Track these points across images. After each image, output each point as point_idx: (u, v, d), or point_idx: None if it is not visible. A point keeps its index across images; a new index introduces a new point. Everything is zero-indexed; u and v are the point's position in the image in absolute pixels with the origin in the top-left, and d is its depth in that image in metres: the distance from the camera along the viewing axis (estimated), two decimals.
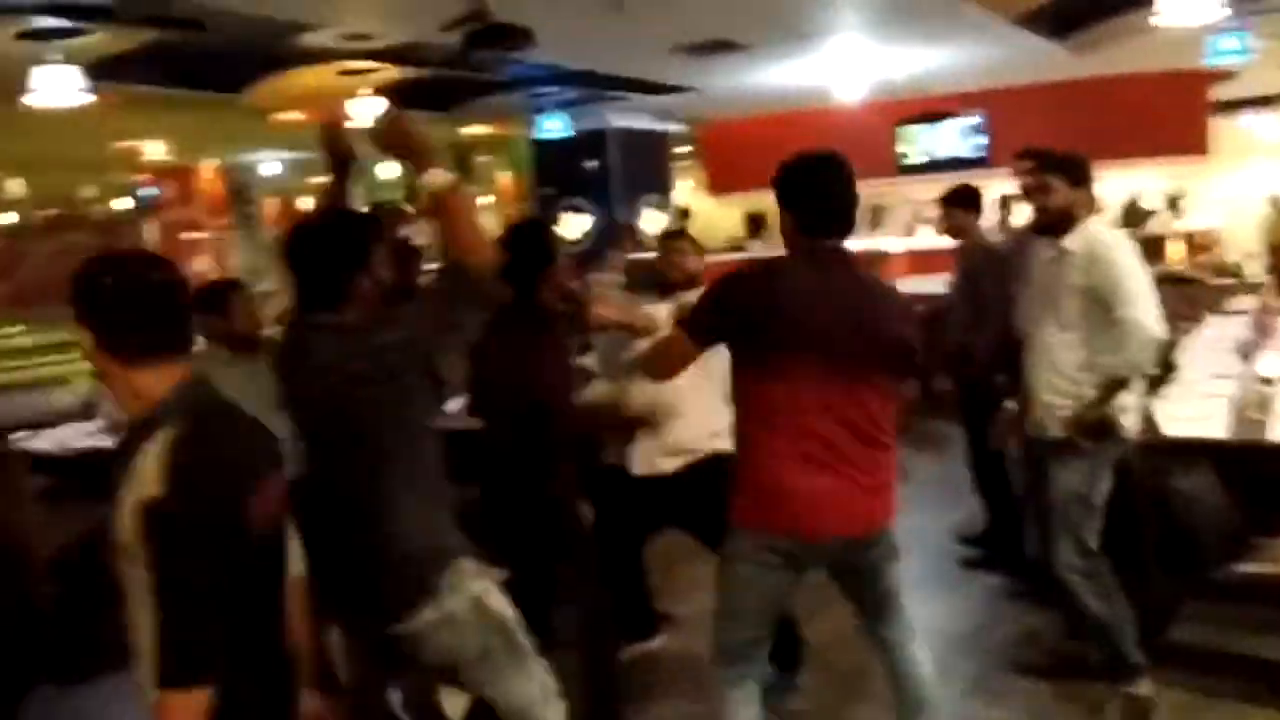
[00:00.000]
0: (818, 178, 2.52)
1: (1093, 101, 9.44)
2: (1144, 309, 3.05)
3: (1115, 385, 3.13)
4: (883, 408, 2.47)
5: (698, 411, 3.31)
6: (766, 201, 11.56)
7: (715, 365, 2.69)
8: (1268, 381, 4.07)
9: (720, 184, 12.06)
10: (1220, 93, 9.87)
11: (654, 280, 3.69)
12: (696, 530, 3.43)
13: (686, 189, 13.42)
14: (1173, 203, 10.14)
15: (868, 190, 10.37)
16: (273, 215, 16.28)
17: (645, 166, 10.02)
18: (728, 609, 2.59)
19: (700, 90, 8.80)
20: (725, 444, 2.77)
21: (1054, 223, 3.27)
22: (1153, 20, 4.97)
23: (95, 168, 11.83)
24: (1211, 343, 5.39)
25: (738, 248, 13.23)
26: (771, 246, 12.96)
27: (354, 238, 2.27)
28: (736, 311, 2.46)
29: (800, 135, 11.31)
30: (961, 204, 4.98)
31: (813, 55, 7.62)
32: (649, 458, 3.42)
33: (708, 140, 11.88)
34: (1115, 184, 10.11)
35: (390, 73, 7.45)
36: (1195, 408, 3.94)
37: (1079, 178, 3.26)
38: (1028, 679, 3.63)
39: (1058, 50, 7.79)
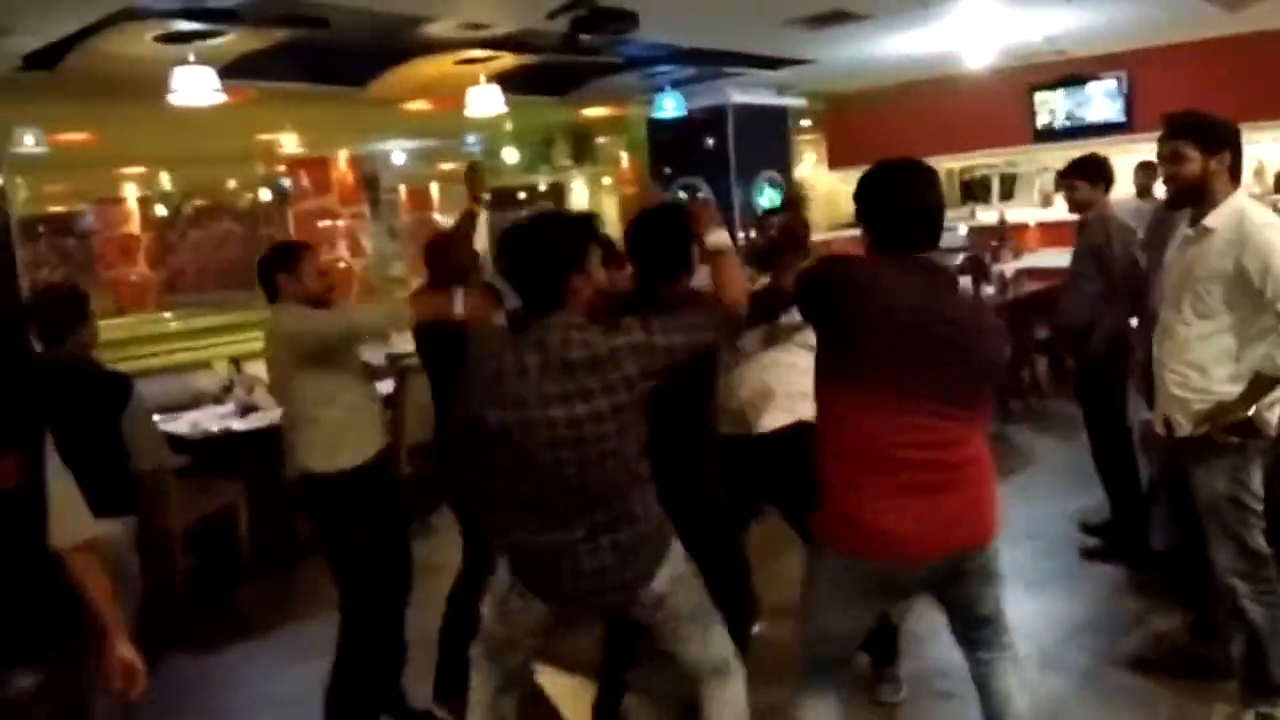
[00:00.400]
0: (895, 191, 2.40)
1: (1245, 59, 8.75)
2: None
3: (1266, 384, 2.82)
4: (973, 423, 2.35)
5: (790, 378, 3.25)
6: None
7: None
8: None
9: (841, 158, 11.77)
10: None
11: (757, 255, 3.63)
12: (783, 503, 3.37)
13: (809, 164, 13.17)
14: None
15: (1000, 158, 9.97)
16: (404, 203, 16.87)
17: (764, 143, 9.84)
18: (814, 626, 2.52)
19: (820, 62, 8.57)
20: (810, 410, 2.70)
21: (1188, 195, 3.01)
22: None
23: (237, 160, 12.44)
24: None
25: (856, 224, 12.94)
26: None
27: (571, 239, 2.47)
28: (837, 298, 2.37)
29: (925, 105, 11.13)
30: (1084, 175, 4.70)
31: (937, 23, 7.31)
32: (741, 419, 3.37)
33: (829, 114, 11.61)
34: (1272, 148, 9.39)
35: (506, 60, 7.54)
36: None
37: (1216, 144, 2.95)
38: (1146, 679, 3.43)
39: (1206, 6, 7.24)
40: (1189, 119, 3.04)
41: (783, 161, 10.16)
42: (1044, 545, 4.67)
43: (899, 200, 2.39)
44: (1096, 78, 9.69)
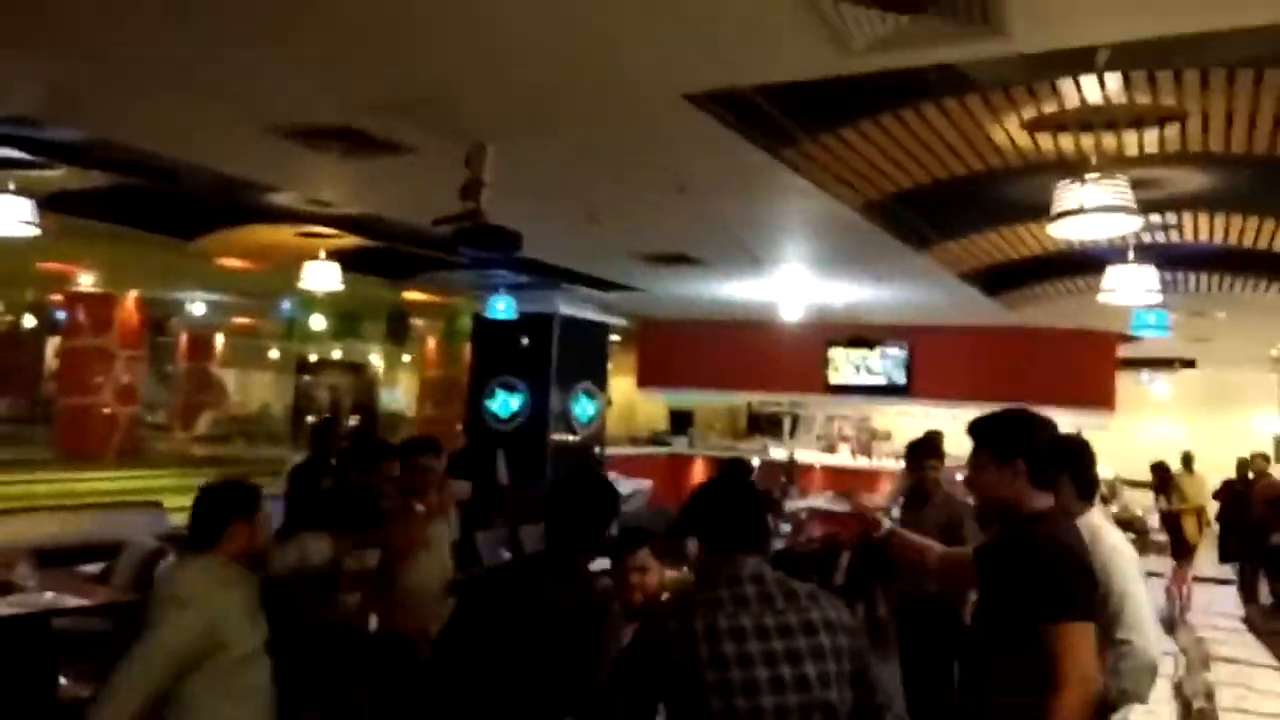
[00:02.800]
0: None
1: (1011, 348, 10.02)
2: None
3: None
4: None
5: None
6: (691, 400, 11.69)
7: None
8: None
9: (650, 378, 12.24)
10: (1120, 352, 10.62)
11: None
12: None
13: (612, 379, 13.58)
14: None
15: (786, 399, 10.57)
16: (183, 350, 15.84)
17: (584, 354, 10.11)
18: None
19: (647, 290, 9.04)
20: None
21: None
22: (1101, 297, 5.36)
23: (10, 283, 11.34)
24: None
25: (660, 441, 13.35)
26: (690, 443, 13.12)
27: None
28: None
29: (733, 343, 11.79)
30: (939, 455, 5.01)
31: (761, 279, 7.95)
32: None
33: (642, 335, 12.13)
34: None
35: (349, 240, 7.45)
36: None
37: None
38: None
39: (984, 297, 8.31)
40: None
41: (599, 374, 10.43)
42: None
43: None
44: (883, 343, 10.72)
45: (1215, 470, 10.26)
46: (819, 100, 3.88)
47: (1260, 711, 4.54)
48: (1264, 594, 9.25)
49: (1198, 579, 9.43)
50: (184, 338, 15.76)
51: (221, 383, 16.76)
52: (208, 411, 15.98)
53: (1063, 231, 3.80)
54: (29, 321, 14.30)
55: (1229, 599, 9.07)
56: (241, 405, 17.53)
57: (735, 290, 8.74)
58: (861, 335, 10.80)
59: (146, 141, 4.87)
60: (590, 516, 2.74)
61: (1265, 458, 10.41)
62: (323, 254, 7.37)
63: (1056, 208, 3.65)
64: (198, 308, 12.54)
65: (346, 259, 7.75)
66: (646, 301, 9.75)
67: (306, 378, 14.91)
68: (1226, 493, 10.20)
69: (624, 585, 3.10)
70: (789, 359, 10.87)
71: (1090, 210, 3.53)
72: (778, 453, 11.60)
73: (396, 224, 6.76)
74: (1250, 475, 10.15)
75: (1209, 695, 3.83)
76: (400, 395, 16.85)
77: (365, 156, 4.72)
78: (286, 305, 12.18)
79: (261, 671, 2.94)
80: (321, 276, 7.17)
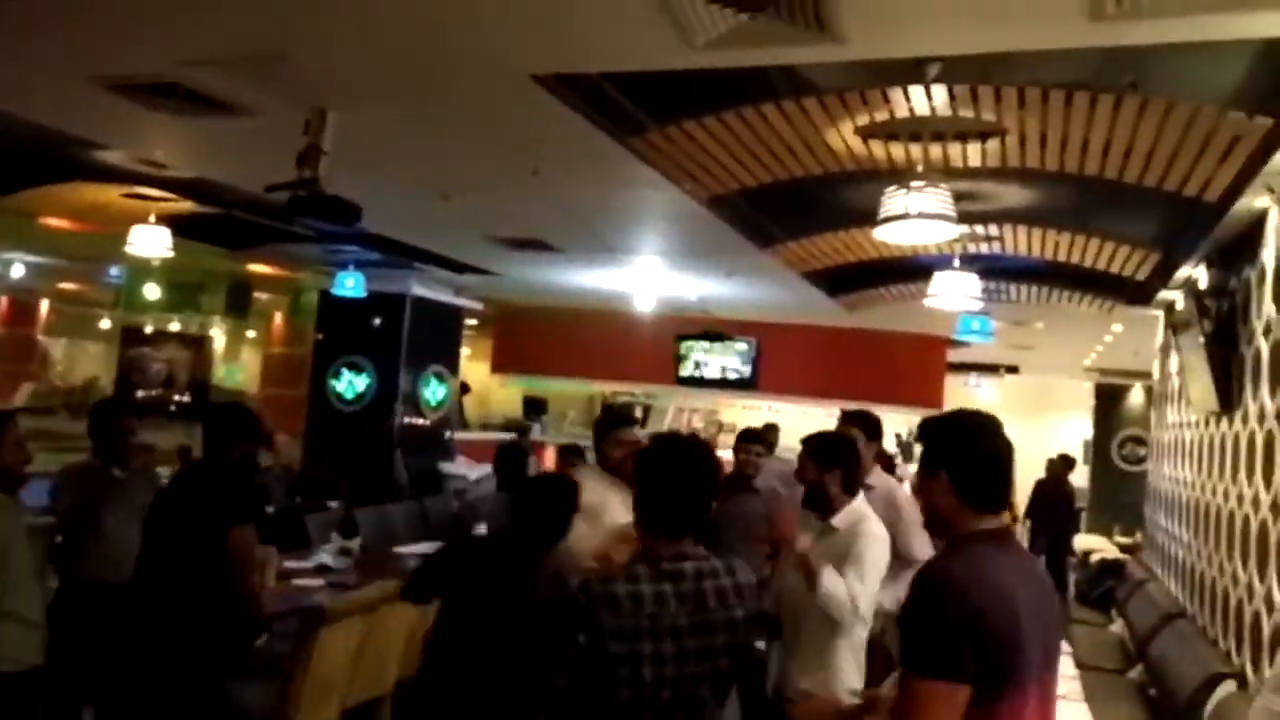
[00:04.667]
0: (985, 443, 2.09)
1: (850, 348, 10.47)
2: None
3: None
4: None
5: None
6: (546, 386, 11.65)
7: None
8: None
9: (504, 363, 12.17)
10: (951, 356, 11.25)
11: None
12: None
13: (468, 363, 13.42)
14: (906, 449, 11.21)
15: (641, 389, 10.73)
16: (3, 314, 14.74)
17: (436, 336, 9.93)
18: None
19: (504, 275, 8.97)
20: None
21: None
22: (925, 301, 5.65)
23: None
24: None
25: (515, 428, 13.26)
26: (543, 430, 13.09)
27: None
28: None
29: (588, 332, 11.85)
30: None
31: (616, 268, 8.02)
32: None
33: (498, 320, 12.04)
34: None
35: (183, 205, 7.09)
36: None
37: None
38: None
39: (830, 302, 8.64)
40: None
41: (451, 357, 10.29)
42: None
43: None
44: (732, 338, 11.00)
45: (1035, 470, 10.98)
46: (667, 91, 3.95)
47: None
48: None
49: None
50: (2, 301, 14.67)
51: (46, 352, 15.69)
52: (28, 383, 14.92)
53: (888, 235, 4.00)
54: None
55: None
56: (66, 376, 16.43)
57: (590, 279, 8.78)
58: (712, 330, 11.05)
59: None
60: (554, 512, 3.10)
61: (1066, 459, 11.18)
62: (153, 218, 6.98)
63: (883, 212, 3.84)
64: (17, 269, 11.67)
65: (182, 225, 7.37)
66: (503, 286, 9.68)
67: (140, 350, 14.02)
68: (1036, 492, 10.95)
69: None
70: (642, 350, 11.02)
71: (914, 216, 3.72)
72: None
73: (235, 190, 6.47)
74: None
75: None
76: (240, 373, 16.14)
77: (199, 115, 4.49)
78: (115, 272, 11.48)
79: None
80: (150, 241, 6.80)
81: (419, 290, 9.44)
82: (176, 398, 13.89)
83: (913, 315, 8.40)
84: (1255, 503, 4.25)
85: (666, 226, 6.45)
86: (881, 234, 3.98)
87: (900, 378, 10.45)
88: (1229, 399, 4.83)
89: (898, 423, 11.39)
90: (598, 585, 2.21)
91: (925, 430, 2.16)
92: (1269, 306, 4.24)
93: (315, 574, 5.08)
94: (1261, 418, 4.24)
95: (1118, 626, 7.28)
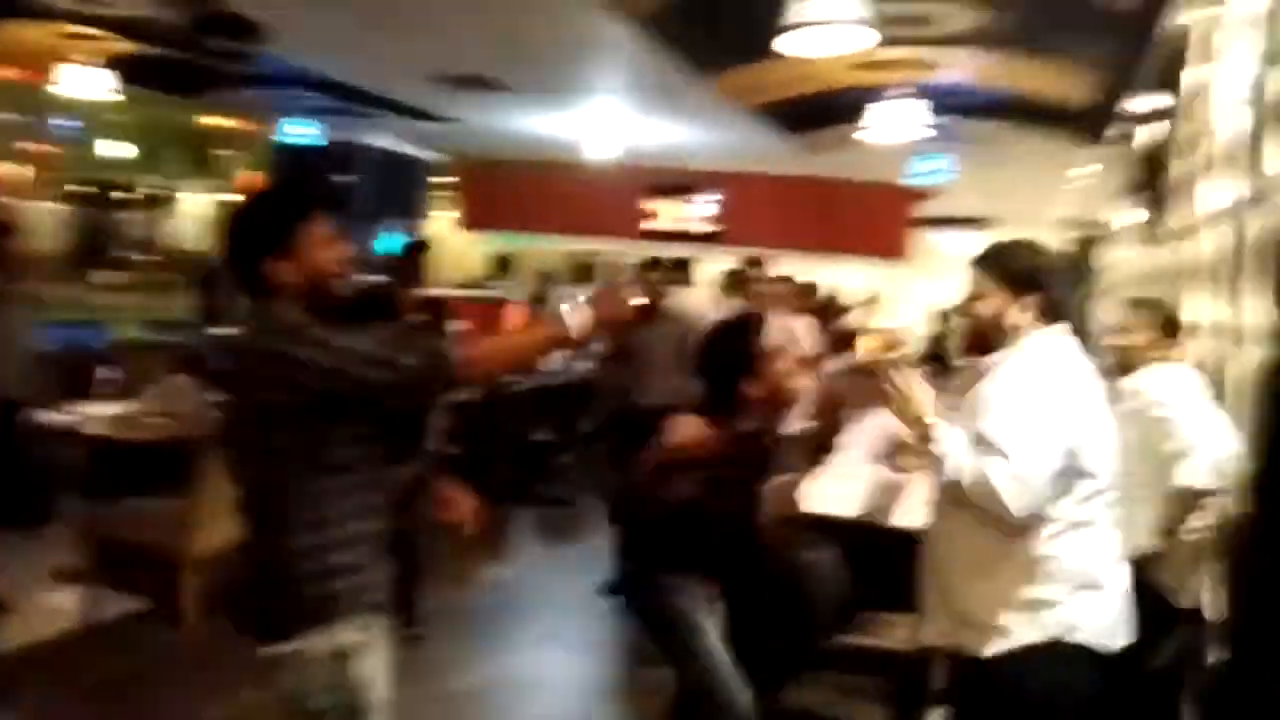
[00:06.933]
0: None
1: (815, 198, 10.40)
2: None
3: None
4: None
5: None
6: (516, 243, 11.60)
7: None
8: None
9: (477, 220, 12.09)
10: (929, 209, 11.18)
11: None
12: None
13: (445, 221, 13.32)
14: (870, 300, 11.28)
15: (610, 247, 10.62)
16: None
17: (396, 190, 9.83)
18: None
19: (462, 122, 8.82)
20: None
21: None
22: (857, 135, 5.51)
23: None
24: (878, 430, 5.91)
25: (482, 285, 13.27)
26: (516, 286, 13.08)
27: None
28: None
29: (555, 187, 11.71)
30: None
31: (571, 111, 7.88)
32: None
33: (468, 177, 11.89)
34: (822, 276, 11.18)
35: (122, 45, 6.91)
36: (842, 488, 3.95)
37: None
38: None
39: (790, 146, 8.52)
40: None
41: (413, 211, 10.20)
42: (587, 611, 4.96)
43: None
44: (698, 191, 10.91)
45: None
46: None
47: None
48: None
49: None
50: None
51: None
52: None
53: (791, 47, 3.83)
54: None
55: None
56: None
57: (546, 125, 8.64)
58: (678, 183, 10.95)
59: None
60: None
61: None
62: (89, 58, 6.80)
63: (785, 20, 3.66)
64: None
65: (125, 68, 7.19)
66: (463, 136, 9.52)
67: (90, 210, 13.69)
68: None
69: None
70: (606, 205, 10.93)
71: (815, 23, 3.56)
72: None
73: (171, 28, 6.30)
74: None
75: None
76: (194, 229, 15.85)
77: None
78: (61, 123, 11.16)
79: None
80: (85, 82, 6.60)
81: (375, 140, 9.31)
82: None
83: (869, 160, 8.29)
84: None
85: (609, 58, 6.30)
86: (783, 45, 3.81)
87: (865, 229, 10.42)
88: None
89: (863, 275, 11.42)
90: None
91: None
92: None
93: None
94: None
95: None
